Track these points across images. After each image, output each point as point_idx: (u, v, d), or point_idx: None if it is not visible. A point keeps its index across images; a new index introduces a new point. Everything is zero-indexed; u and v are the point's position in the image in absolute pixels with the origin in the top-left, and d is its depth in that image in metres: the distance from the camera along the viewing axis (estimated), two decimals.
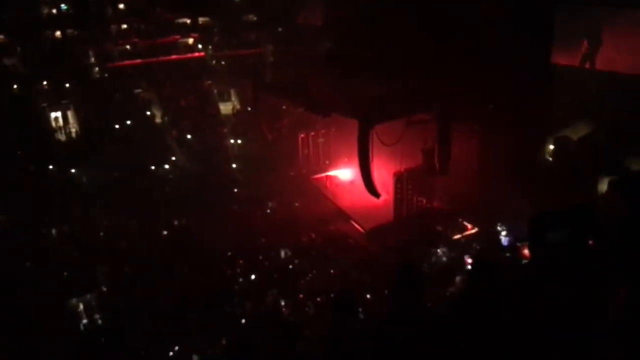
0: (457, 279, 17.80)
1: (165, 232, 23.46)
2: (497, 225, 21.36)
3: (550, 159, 23.14)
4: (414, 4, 20.91)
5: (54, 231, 23.65)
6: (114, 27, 34.79)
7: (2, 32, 31.30)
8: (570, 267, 3.96)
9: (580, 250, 4.11)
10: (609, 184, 18.80)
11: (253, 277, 19.61)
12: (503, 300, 4.33)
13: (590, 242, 4.37)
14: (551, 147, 23.12)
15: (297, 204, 26.04)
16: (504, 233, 21.03)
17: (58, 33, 33.19)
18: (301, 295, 18.56)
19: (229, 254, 21.40)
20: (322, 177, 28.53)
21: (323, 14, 30.68)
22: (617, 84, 19.45)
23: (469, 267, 16.60)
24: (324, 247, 22.34)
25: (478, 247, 21.05)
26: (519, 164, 21.38)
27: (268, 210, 25.34)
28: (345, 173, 28.48)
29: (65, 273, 20.40)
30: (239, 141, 32.15)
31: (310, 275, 19.76)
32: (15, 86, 31.48)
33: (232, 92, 35.39)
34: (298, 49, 30.30)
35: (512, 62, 19.64)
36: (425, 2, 20.67)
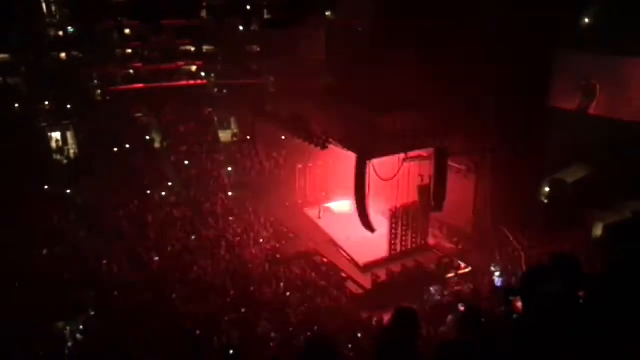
0: (449, 318, 17.62)
1: (156, 258, 23.25)
2: (490, 265, 21.33)
3: (546, 200, 23.21)
4: (415, 43, 21.24)
5: (44, 252, 23.43)
6: (118, 51, 35.22)
7: (7, 52, 31.61)
8: (563, 320, 3.96)
9: (571, 303, 4.12)
10: (604, 229, 18.82)
11: (243, 310, 19.30)
12: (493, 353, 4.31)
13: (581, 293, 4.37)
14: (546, 189, 23.22)
15: (291, 235, 25.94)
16: (497, 273, 20.97)
17: (63, 55, 33.55)
18: (291, 329, 18.30)
19: (220, 283, 21.18)
20: (317, 209, 28.53)
21: (324, 49, 31.15)
22: (613, 129, 19.66)
23: (461, 315, 16.45)
24: (316, 280, 22.15)
25: (471, 287, 20.93)
26: (514, 205, 21.44)
27: (261, 240, 25.20)
28: (340, 205, 28.49)
29: (53, 295, 20.12)
30: (236, 169, 32.21)
31: (302, 308, 19.51)
32: (16, 105, 31.66)
33: (232, 120, 35.65)
34: (298, 81, 30.65)
35: (509, 103, 19.88)
36: (425, 42, 21.00)
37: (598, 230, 20.30)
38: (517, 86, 19.73)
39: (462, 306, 18.09)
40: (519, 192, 20.89)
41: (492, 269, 21.20)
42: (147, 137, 33.39)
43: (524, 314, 4.30)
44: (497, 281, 20.95)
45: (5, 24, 17.74)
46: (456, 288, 21.09)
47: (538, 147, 20.82)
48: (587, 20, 20.36)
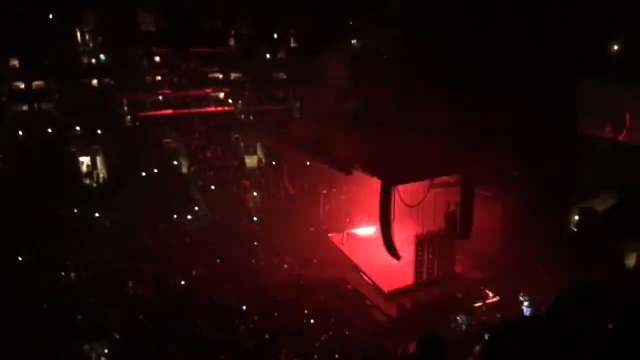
0: (476, 348, 17.22)
1: (182, 282, 23.34)
2: (519, 295, 20.87)
3: (575, 229, 22.74)
4: (441, 71, 21.30)
5: (72, 274, 23.76)
6: (148, 78, 36.07)
7: (42, 78, 32.66)
8: (590, 352, 3.82)
9: (601, 336, 3.96)
10: (638, 259, 18.29)
11: (267, 336, 19.17)
12: None
13: (610, 325, 4.21)
14: (576, 217, 22.77)
15: (315, 261, 25.82)
16: (526, 303, 20.51)
17: (95, 81, 34.50)
18: (315, 357, 18.08)
19: (244, 308, 21.13)
20: (341, 235, 28.40)
21: (349, 76, 31.39)
22: None
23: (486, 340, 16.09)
24: (340, 307, 21.92)
25: (499, 316, 20.48)
26: (543, 233, 21.05)
27: (285, 265, 25.13)
28: (365, 232, 28.33)
29: (79, 317, 20.32)
30: (262, 194, 32.42)
31: (325, 336, 19.28)
32: (49, 130, 32.56)
33: (258, 146, 36.01)
34: (323, 108, 30.88)
35: (538, 131, 19.71)
36: (452, 69, 21.04)
37: (631, 260, 19.79)
38: (546, 115, 19.58)
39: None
40: (548, 220, 20.54)
41: (521, 298, 20.75)
42: (175, 162, 33.92)
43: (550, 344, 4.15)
44: (526, 311, 20.48)
45: (42, 51, 18.36)
46: (484, 318, 20.66)
47: (567, 175, 20.51)
48: (616, 47, 20.22)
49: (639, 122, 19.66)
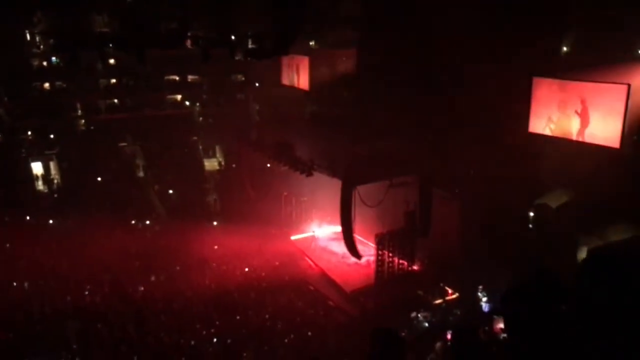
0: (438, 345, 17.48)
1: (141, 288, 22.86)
2: (478, 291, 21.29)
3: (530, 225, 23.34)
4: (398, 72, 21.55)
5: (26, 285, 22.94)
6: (103, 81, 35.24)
7: None
8: (545, 336, 3.90)
9: (552, 317, 4.06)
10: (588, 253, 18.91)
11: (229, 340, 18.95)
12: None
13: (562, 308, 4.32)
14: (531, 214, 23.36)
15: (277, 263, 25.72)
16: (484, 299, 20.93)
17: (47, 85, 33.49)
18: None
19: (205, 312, 20.85)
20: (303, 236, 28.40)
21: (308, 77, 31.46)
22: (593, 154, 19.93)
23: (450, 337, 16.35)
24: (303, 308, 21.89)
25: (459, 313, 20.84)
26: (499, 230, 21.52)
27: (247, 269, 24.94)
28: (327, 232, 28.41)
29: (35, 328, 19.64)
30: (222, 197, 32.11)
31: (288, 338, 19.20)
32: None
33: (218, 148, 35.66)
34: (283, 110, 30.86)
35: (491, 130, 20.15)
36: (408, 70, 21.32)
37: (583, 254, 20.40)
38: (499, 114, 20.03)
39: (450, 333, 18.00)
40: (505, 217, 21.00)
41: (480, 294, 21.17)
42: (132, 167, 33.22)
43: (507, 333, 4.24)
44: (485, 307, 20.91)
45: None
46: (443, 314, 21.00)
47: (522, 173, 21.02)
48: (565, 48, 20.84)
49: (585, 120, 20.29)
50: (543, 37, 19.43)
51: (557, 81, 19.81)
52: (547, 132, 20.42)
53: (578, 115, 19.60)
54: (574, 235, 20.52)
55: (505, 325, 4.20)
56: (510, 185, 20.50)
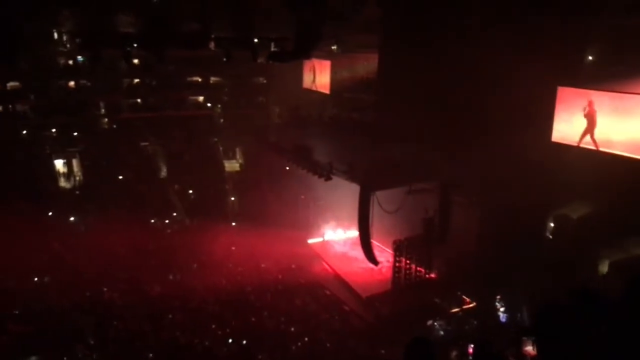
0: (454, 354, 17.32)
1: (158, 287, 23.03)
2: (495, 300, 21.05)
3: (550, 236, 23.00)
4: (420, 76, 21.39)
5: (46, 279, 23.29)
6: (126, 80, 35.64)
7: (17, 79, 32.07)
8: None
9: (588, 341, 3.83)
10: (610, 266, 18.50)
11: (244, 341, 18.99)
12: None
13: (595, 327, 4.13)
14: (551, 224, 23.03)
15: (293, 266, 25.74)
16: (502, 309, 20.69)
17: (72, 83, 33.97)
18: None
19: (221, 313, 20.94)
20: (320, 240, 28.38)
21: (329, 81, 31.47)
22: (615, 165, 19.58)
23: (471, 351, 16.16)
24: (318, 312, 21.85)
25: (475, 322, 20.62)
26: (519, 239, 21.24)
27: (263, 269, 25.00)
28: (343, 237, 28.35)
29: (52, 323, 19.90)
30: (240, 199, 32.26)
31: (300, 343, 19.15)
32: (24, 131, 31.98)
33: (237, 150, 35.83)
34: (303, 113, 30.90)
35: (513, 139, 19.91)
36: (431, 75, 21.15)
37: (604, 267, 20.05)
38: (521, 122, 19.78)
39: (470, 345, 17.74)
40: (524, 227, 20.72)
41: (497, 304, 20.93)
42: (152, 166, 33.54)
43: (540, 355, 3.98)
44: (502, 317, 20.67)
45: (16, 52, 18.02)
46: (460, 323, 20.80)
47: (543, 182, 20.75)
48: (591, 58, 20.54)
49: (608, 131, 19.97)
50: (569, 47, 19.15)
51: (582, 91, 19.57)
52: (570, 141, 20.17)
53: (602, 125, 19.32)
54: (595, 248, 20.18)
55: (537, 346, 3.91)
56: (531, 194, 20.23)
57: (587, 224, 20.54)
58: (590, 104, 19.09)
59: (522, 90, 19.31)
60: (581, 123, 19.63)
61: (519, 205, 20.21)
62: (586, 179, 19.60)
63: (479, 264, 21.69)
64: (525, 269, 19.72)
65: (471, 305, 22.07)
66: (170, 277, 23.88)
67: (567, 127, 20.15)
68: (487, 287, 21.41)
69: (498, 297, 21.08)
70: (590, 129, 19.42)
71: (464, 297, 22.36)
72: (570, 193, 20.79)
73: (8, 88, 32.15)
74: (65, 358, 18.00)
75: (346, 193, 24.51)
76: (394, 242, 22.84)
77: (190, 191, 32.28)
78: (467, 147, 20.33)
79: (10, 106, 32.18)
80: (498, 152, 20.20)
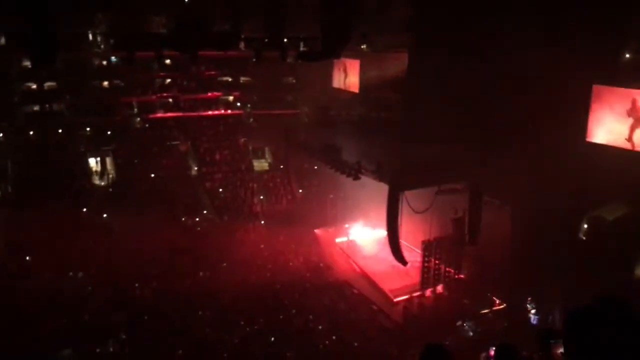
0: (482, 355, 17.13)
1: (189, 284, 23.37)
2: (526, 302, 20.74)
3: (584, 238, 22.53)
4: (451, 77, 21.20)
5: (79, 274, 23.84)
6: (158, 80, 36.21)
7: (53, 79, 32.88)
8: None
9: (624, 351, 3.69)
10: None
11: (272, 339, 19.14)
12: None
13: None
14: (585, 226, 22.55)
15: (321, 264, 25.81)
16: (533, 311, 20.38)
17: (105, 83, 34.68)
18: None
19: (250, 310, 21.13)
20: (348, 239, 28.37)
21: (358, 80, 31.45)
22: None
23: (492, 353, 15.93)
24: (346, 311, 21.88)
25: (506, 324, 20.36)
26: (551, 240, 20.88)
27: (291, 267, 25.14)
28: (372, 236, 28.28)
29: (85, 318, 20.39)
30: (270, 198, 32.48)
31: (327, 341, 19.20)
32: (60, 130, 32.78)
33: (267, 149, 36.07)
34: (332, 113, 30.93)
35: (546, 139, 19.59)
36: (461, 76, 20.95)
37: (639, 271, 19.57)
38: (556, 121, 19.45)
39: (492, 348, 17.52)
40: (557, 228, 20.37)
41: (528, 306, 20.63)
42: (184, 164, 34.02)
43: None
44: (533, 319, 20.37)
45: (56, 53, 18.54)
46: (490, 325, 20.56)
47: (576, 183, 20.36)
48: (627, 55, 20.05)
49: None
50: (604, 44, 18.74)
51: (618, 89, 19.15)
52: (606, 141, 19.75)
53: (639, 124, 18.88)
54: (630, 250, 19.72)
55: (565, 351, 3.80)
56: (564, 194, 19.87)
57: (623, 226, 20.08)
58: (634, 102, 18.65)
59: (555, 89, 19.00)
60: (619, 122, 19.19)
61: (552, 206, 19.88)
62: (621, 180, 19.16)
63: (510, 265, 21.40)
64: (557, 271, 19.39)
65: (501, 307, 21.81)
66: (201, 274, 24.20)
67: (602, 127, 19.73)
68: (517, 288, 21.12)
69: (529, 298, 20.75)
70: (636, 126, 18.99)
71: (494, 298, 22.10)
72: (604, 194, 20.33)
73: (45, 88, 32.99)
74: (97, 352, 18.45)
75: (374, 192, 24.46)
76: (423, 242, 22.73)
77: (220, 190, 32.63)
78: (499, 147, 20.08)
79: (47, 105, 33.03)
80: (530, 152, 19.90)
